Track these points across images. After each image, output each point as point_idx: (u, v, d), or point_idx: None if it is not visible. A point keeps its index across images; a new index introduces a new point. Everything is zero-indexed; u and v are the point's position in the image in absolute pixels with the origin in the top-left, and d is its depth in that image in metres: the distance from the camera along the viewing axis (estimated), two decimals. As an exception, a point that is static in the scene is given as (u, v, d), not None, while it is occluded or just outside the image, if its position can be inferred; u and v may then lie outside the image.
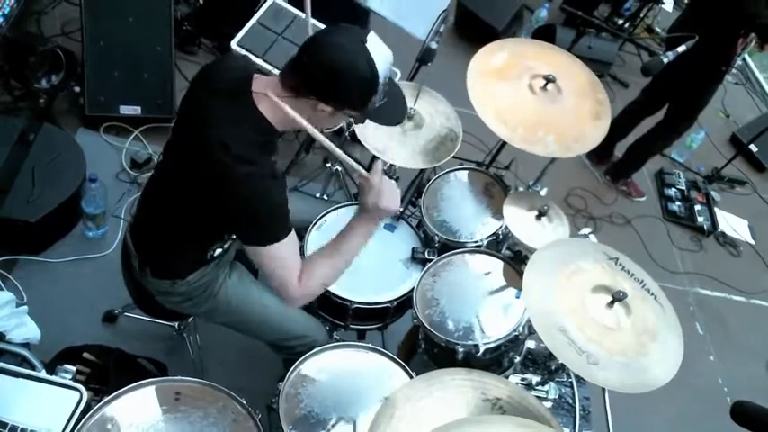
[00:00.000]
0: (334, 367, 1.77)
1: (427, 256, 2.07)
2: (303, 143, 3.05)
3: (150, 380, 1.56)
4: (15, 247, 2.41)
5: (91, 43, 2.79)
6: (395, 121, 1.62)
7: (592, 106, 2.10)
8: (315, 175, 3.03)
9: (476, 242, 2.16)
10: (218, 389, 1.59)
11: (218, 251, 1.68)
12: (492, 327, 1.89)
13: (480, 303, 1.96)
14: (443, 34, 2.27)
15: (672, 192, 4.12)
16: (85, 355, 1.98)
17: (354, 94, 1.42)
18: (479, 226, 2.23)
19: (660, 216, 4.02)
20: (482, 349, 1.80)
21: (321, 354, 1.78)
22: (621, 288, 1.59)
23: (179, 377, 1.59)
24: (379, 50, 1.39)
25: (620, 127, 3.81)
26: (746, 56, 5.35)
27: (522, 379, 1.96)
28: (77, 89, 2.90)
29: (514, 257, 2.13)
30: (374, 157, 2.32)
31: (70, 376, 1.50)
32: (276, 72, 1.50)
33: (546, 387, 1.95)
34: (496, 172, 2.48)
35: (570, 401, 1.95)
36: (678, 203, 4.07)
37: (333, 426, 1.65)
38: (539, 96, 2.09)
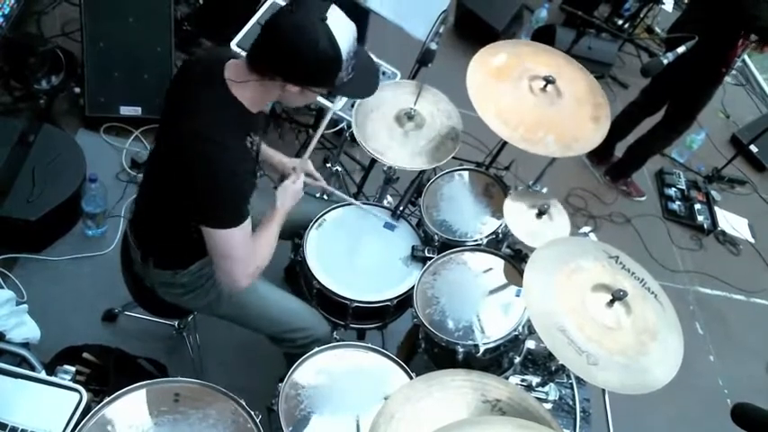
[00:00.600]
0: (334, 368, 1.76)
1: (427, 254, 2.07)
2: (303, 143, 3.05)
3: (149, 381, 1.56)
4: (16, 246, 2.41)
5: (91, 44, 2.79)
6: (365, 93, 1.63)
7: (591, 109, 2.10)
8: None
9: (476, 241, 2.16)
10: (218, 390, 1.58)
11: None
12: (492, 326, 1.88)
13: (480, 302, 1.96)
14: (443, 35, 2.27)
15: (672, 191, 4.12)
16: (85, 355, 1.98)
17: (318, 72, 1.43)
18: (479, 225, 2.23)
19: (660, 215, 4.02)
20: (482, 349, 1.80)
21: (321, 354, 1.78)
22: (622, 287, 1.59)
23: (178, 378, 1.59)
24: (341, 25, 1.38)
25: (620, 127, 3.81)
26: (746, 57, 5.35)
27: (522, 380, 1.96)
28: (77, 90, 2.90)
29: (515, 256, 2.13)
30: (373, 160, 2.33)
31: (70, 377, 1.50)
32: None
33: (546, 388, 1.96)
34: (496, 172, 2.48)
35: (570, 403, 1.95)
36: (678, 202, 4.07)
37: (332, 426, 1.65)
38: (538, 98, 2.09)
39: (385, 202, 2.39)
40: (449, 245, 2.13)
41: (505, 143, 2.47)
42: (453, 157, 2.15)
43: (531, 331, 1.89)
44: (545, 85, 2.09)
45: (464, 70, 2.07)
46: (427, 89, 2.25)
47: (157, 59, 2.91)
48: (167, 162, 1.56)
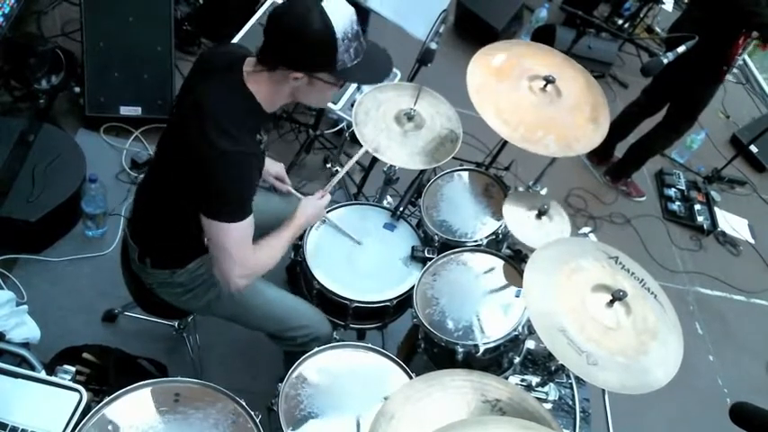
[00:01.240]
0: (334, 368, 1.76)
1: (427, 255, 2.07)
2: (303, 143, 3.05)
3: (149, 381, 1.56)
4: (15, 246, 2.41)
5: (91, 43, 2.79)
6: (375, 79, 1.62)
7: (591, 109, 2.10)
8: (315, 175, 3.03)
9: (475, 242, 2.16)
10: (218, 390, 1.58)
11: None
12: (492, 326, 1.89)
13: (480, 302, 1.96)
14: (443, 34, 2.27)
15: (672, 192, 4.12)
16: (85, 355, 1.98)
17: (314, 52, 1.42)
18: (479, 226, 2.24)
19: (660, 215, 4.02)
20: (482, 349, 1.80)
21: (321, 354, 1.78)
22: (621, 287, 1.59)
23: (178, 378, 1.59)
24: (337, 7, 1.40)
25: (620, 127, 3.81)
26: (746, 56, 5.35)
27: (522, 380, 1.96)
28: (77, 89, 2.90)
29: (514, 256, 2.13)
30: (374, 158, 2.33)
31: (70, 377, 1.50)
32: None
33: (546, 388, 1.96)
34: (496, 173, 2.48)
35: (570, 403, 1.95)
36: (678, 203, 4.07)
37: (332, 427, 1.65)
38: (538, 97, 2.09)
39: (385, 203, 2.39)
40: (449, 245, 2.13)
41: (505, 143, 2.47)
42: (453, 158, 2.15)
43: (531, 331, 1.89)
44: (545, 85, 2.09)
45: (464, 70, 2.07)
46: (427, 91, 2.25)
47: (157, 59, 2.91)
48: (176, 150, 1.55)
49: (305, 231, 2.07)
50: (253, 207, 1.55)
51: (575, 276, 1.64)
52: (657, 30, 5.20)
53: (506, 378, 1.91)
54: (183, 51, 3.32)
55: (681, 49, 2.26)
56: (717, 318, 3.59)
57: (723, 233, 4.04)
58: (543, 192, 2.27)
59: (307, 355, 1.76)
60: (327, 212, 2.13)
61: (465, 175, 2.39)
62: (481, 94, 2.04)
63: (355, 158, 2.00)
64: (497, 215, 2.23)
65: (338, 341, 1.84)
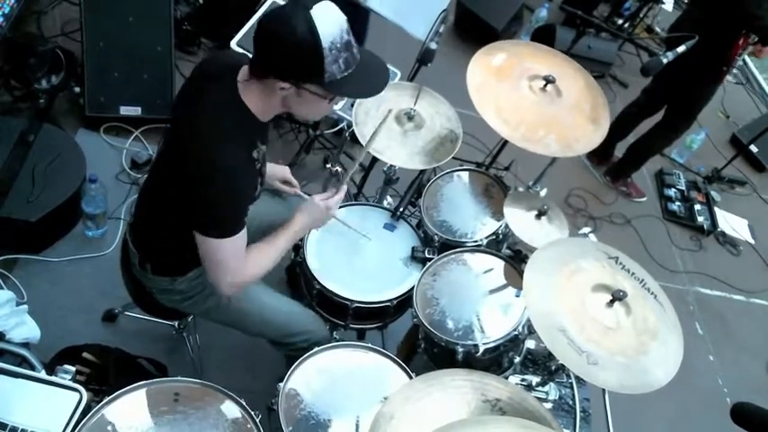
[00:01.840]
0: (334, 367, 1.76)
1: (427, 255, 2.07)
2: (303, 143, 3.05)
3: (149, 381, 1.56)
4: (15, 246, 2.41)
5: (91, 43, 2.79)
6: (366, 93, 1.53)
7: (590, 109, 2.10)
8: (315, 175, 3.03)
9: (475, 242, 2.16)
10: (218, 389, 1.58)
11: None
12: (492, 326, 1.89)
13: (480, 302, 1.96)
14: (443, 34, 2.27)
15: (672, 192, 4.12)
16: (85, 355, 1.98)
17: (298, 60, 1.37)
18: (479, 226, 2.24)
19: (660, 216, 4.02)
20: (482, 349, 1.80)
21: (321, 354, 1.78)
22: (621, 287, 1.59)
23: (178, 378, 1.59)
24: (325, 15, 1.34)
25: (620, 127, 3.81)
26: (746, 56, 5.34)
27: (522, 380, 1.96)
28: (77, 89, 2.90)
29: (515, 256, 2.13)
30: (374, 159, 2.33)
31: (70, 377, 1.50)
32: None
33: (546, 388, 1.95)
34: (496, 173, 2.48)
35: (570, 403, 1.95)
36: (678, 203, 4.07)
37: (332, 426, 1.65)
38: (539, 97, 2.09)
39: (385, 203, 2.39)
40: (449, 245, 2.13)
41: (505, 143, 2.47)
42: (453, 158, 2.15)
43: (531, 331, 1.89)
44: (545, 85, 2.09)
45: (464, 70, 2.07)
46: (426, 91, 2.25)
47: (157, 59, 2.91)
48: (171, 161, 1.55)
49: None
50: (253, 212, 1.54)
51: (575, 276, 1.64)
52: (657, 30, 5.20)
53: (506, 378, 1.91)
54: (183, 51, 3.32)
55: (681, 48, 2.26)
56: (717, 318, 3.58)
57: (723, 233, 4.04)
58: (543, 192, 2.26)
59: (307, 354, 1.76)
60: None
61: (465, 175, 2.39)
62: (481, 94, 2.04)
63: (366, 151, 1.94)
64: (497, 215, 2.23)
65: (338, 341, 1.84)
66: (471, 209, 2.29)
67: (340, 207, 2.17)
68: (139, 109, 2.93)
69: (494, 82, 2.10)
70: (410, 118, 2.18)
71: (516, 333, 1.85)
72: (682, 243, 3.92)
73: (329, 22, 1.34)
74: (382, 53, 2.63)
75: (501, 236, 2.21)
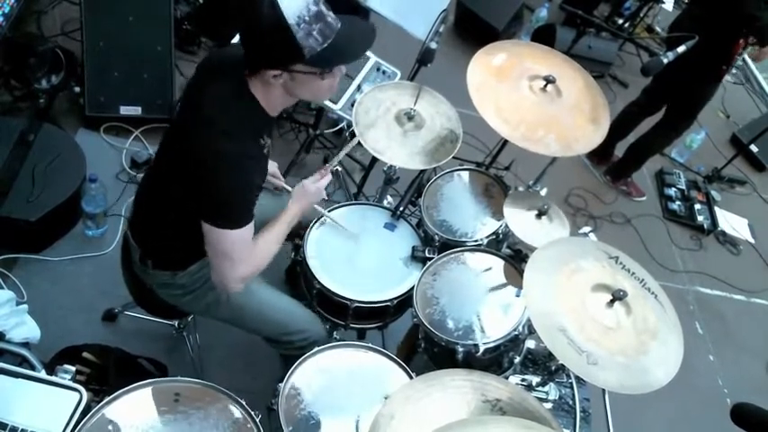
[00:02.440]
0: (334, 367, 1.77)
1: (427, 255, 2.07)
2: (303, 143, 3.05)
3: (149, 380, 1.56)
4: (15, 246, 2.41)
5: (91, 43, 2.79)
6: (352, 56, 1.54)
7: (591, 109, 2.10)
8: (315, 175, 3.03)
9: (476, 241, 2.16)
10: (218, 389, 1.58)
11: None
12: (492, 326, 1.89)
13: (480, 302, 1.96)
14: (443, 34, 2.27)
15: (672, 191, 4.12)
16: (85, 354, 1.98)
17: (273, 44, 1.37)
18: (479, 225, 2.24)
19: (660, 215, 4.02)
20: (482, 349, 1.80)
21: (321, 354, 1.78)
22: (622, 287, 1.59)
23: (179, 378, 1.59)
24: None
25: (620, 127, 3.81)
26: (746, 56, 5.34)
27: (522, 380, 1.96)
28: (77, 89, 2.90)
29: (515, 256, 2.13)
30: (374, 158, 2.33)
31: (70, 377, 1.50)
32: None
33: (546, 388, 1.96)
34: (496, 172, 2.48)
35: (570, 402, 1.95)
36: (678, 203, 4.07)
37: (332, 426, 1.65)
38: (539, 97, 2.09)
39: (385, 203, 2.39)
40: (449, 245, 2.13)
41: (505, 143, 2.47)
42: (453, 157, 2.15)
43: (531, 331, 1.89)
44: (545, 85, 2.09)
45: (464, 70, 2.07)
46: (427, 91, 2.25)
47: (157, 59, 2.91)
48: (176, 158, 1.55)
49: (305, 231, 2.07)
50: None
51: (575, 276, 1.64)
52: (657, 29, 5.19)
53: (506, 378, 1.91)
54: (183, 51, 3.32)
55: (681, 48, 2.26)
56: (717, 317, 3.58)
57: (723, 233, 4.04)
58: (543, 192, 2.26)
59: (307, 354, 1.76)
60: (329, 212, 2.13)
61: (465, 174, 2.39)
62: (481, 94, 2.04)
63: (353, 143, 1.97)
64: (497, 215, 2.23)
65: (338, 341, 1.84)
66: (471, 208, 2.29)
67: (340, 207, 2.18)
68: (139, 109, 2.93)
69: (494, 82, 2.10)
70: (410, 118, 2.18)
71: (516, 333, 1.85)
72: (682, 242, 3.92)
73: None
74: (382, 53, 2.64)
75: (501, 235, 2.21)
